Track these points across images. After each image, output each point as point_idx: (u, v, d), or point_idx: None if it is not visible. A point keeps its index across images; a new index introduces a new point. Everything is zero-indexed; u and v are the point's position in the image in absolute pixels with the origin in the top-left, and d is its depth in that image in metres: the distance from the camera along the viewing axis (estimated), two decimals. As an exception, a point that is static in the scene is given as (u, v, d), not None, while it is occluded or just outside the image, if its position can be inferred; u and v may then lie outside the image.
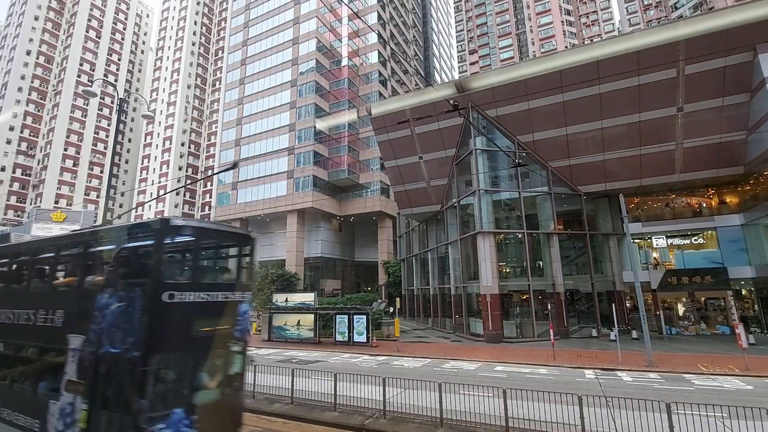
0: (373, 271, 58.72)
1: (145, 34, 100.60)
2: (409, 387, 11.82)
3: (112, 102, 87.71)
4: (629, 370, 16.58)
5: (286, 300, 29.22)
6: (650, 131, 24.96)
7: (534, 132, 27.36)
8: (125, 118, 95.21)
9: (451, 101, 12.75)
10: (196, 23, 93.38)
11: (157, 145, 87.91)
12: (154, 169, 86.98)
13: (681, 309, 27.88)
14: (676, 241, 28.54)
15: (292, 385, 11.50)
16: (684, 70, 23.13)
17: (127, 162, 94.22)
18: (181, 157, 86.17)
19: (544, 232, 27.83)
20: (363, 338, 25.13)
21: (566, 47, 70.80)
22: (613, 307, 19.62)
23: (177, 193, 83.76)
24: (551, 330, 19.80)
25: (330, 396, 11.40)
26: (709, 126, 23.93)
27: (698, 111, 23.76)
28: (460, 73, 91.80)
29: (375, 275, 57.56)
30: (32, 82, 78.01)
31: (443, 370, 17.67)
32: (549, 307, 23.96)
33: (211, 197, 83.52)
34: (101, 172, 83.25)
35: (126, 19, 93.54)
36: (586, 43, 71.19)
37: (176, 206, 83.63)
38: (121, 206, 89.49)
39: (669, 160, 25.60)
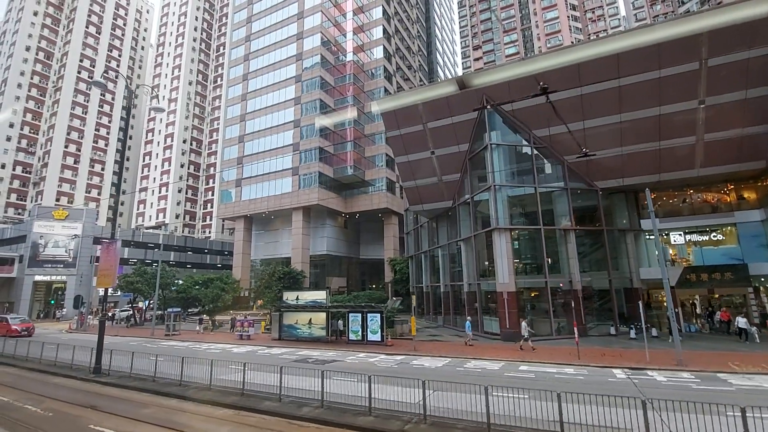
0: (378, 269, 58.21)
1: (145, 30, 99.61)
2: (441, 389, 11.24)
3: (113, 99, 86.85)
4: (660, 370, 16.07)
5: (297, 298, 28.67)
6: (670, 125, 24.36)
7: (550, 126, 26.75)
8: (126, 115, 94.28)
9: (540, 83, 12.12)
10: (197, 19, 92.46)
11: (158, 143, 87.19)
12: (156, 166, 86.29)
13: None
14: (694, 237, 28.02)
15: (323, 387, 10.92)
16: (707, 63, 22.54)
17: (128, 159, 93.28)
18: (183, 154, 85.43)
19: (562, 228, 27.25)
20: (377, 337, 24.62)
21: (572, 42, 70.22)
22: (639, 304, 19.10)
23: (179, 191, 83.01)
24: (575, 328, 19.27)
25: (359, 399, 10.88)
26: (731, 119, 23.36)
27: (720, 104, 23.18)
28: (464, 69, 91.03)
29: (380, 272, 57.05)
30: (32, 78, 77.08)
31: (466, 369, 17.14)
32: (573, 305, 23.40)
33: (213, 195, 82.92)
34: (102, 169, 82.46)
35: (126, 14, 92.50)
36: (592, 38, 70.46)
37: (178, 204, 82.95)
38: (122, 204, 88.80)
39: (689, 154, 25.03)
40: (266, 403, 11.47)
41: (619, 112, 24.96)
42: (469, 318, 25.47)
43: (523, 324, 21.86)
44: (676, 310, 26.89)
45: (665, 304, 29.43)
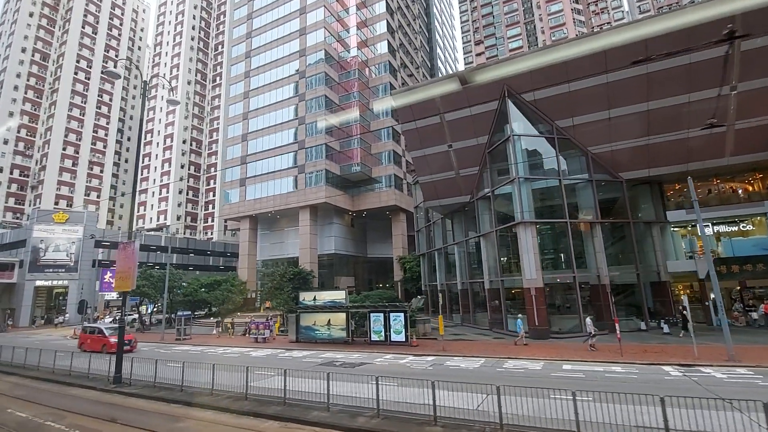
0: (386, 268, 57.24)
1: (142, 30, 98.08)
2: (493, 392, 10.28)
3: (110, 99, 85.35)
4: (713, 366, 15.26)
5: (314, 298, 27.72)
6: (700, 112, 23.57)
7: (574, 116, 25.94)
8: (124, 116, 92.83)
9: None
10: (194, 18, 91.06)
11: (158, 143, 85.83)
12: (156, 167, 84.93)
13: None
14: (722, 228, 27.29)
15: (378, 395, 9.99)
16: (739, 47, 21.75)
17: (126, 161, 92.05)
18: (183, 154, 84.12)
19: (589, 221, 26.40)
20: (401, 337, 23.72)
21: (576, 35, 69.42)
22: (684, 298, 18.33)
23: (180, 192, 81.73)
24: (617, 324, 18.41)
25: (413, 406, 10.01)
26: (764, 105, 22.62)
27: (753, 90, 22.42)
28: (465, 64, 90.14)
29: (388, 271, 56.09)
30: (28, 80, 75.54)
31: (508, 370, 16.27)
32: (602, 300, 22.57)
33: (215, 195, 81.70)
34: (101, 171, 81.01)
35: (122, 14, 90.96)
36: (595, 30, 69.61)
37: (179, 205, 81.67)
38: (122, 206, 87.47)
39: (719, 142, 24.28)
40: (314, 413, 10.54)
41: (646, 100, 24.16)
42: (520, 315, 24.07)
43: (588, 320, 20.30)
44: (706, 303, 26.28)
45: (682, 297, 28.75)
